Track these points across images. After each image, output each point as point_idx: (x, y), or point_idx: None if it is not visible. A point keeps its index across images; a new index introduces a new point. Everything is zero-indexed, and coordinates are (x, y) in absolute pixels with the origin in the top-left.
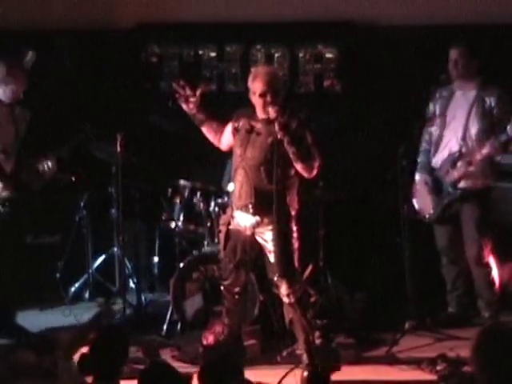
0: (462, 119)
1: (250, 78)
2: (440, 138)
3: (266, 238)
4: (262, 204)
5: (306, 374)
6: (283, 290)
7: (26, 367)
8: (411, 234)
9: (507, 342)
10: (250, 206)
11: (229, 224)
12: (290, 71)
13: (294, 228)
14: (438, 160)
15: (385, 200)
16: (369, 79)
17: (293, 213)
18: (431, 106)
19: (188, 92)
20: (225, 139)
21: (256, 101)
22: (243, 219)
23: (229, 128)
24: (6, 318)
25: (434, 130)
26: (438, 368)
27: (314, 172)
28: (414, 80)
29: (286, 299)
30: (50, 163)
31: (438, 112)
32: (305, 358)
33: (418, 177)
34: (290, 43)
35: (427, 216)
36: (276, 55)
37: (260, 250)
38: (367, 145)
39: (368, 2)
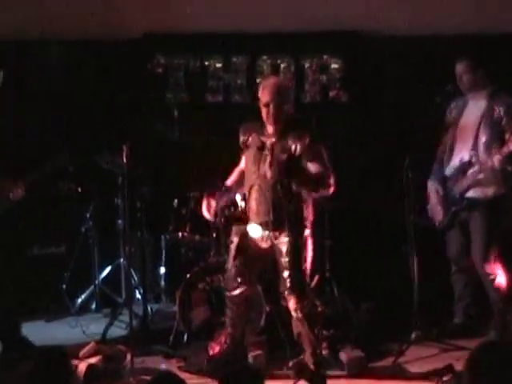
0: (472, 129)
1: (260, 89)
2: (452, 146)
3: (281, 252)
4: (280, 220)
5: None
6: (292, 304)
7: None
8: (418, 244)
9: (500, 360)
10: (270, 223)
11: (242, 236)
12: (296, 82)
13: (310, 241)
14: (450, 169)
15: (391, 210)
16: (374, 89)
17: (308, 225)
18: (448, 115)
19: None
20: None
21: (262, 110)
22: (257, 232)
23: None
24: (10, 329)
25: (448, 138)
26: (445, 379)
27: (331, 191)
28: (420, 90)
29: (294, 314)
30: (19, 190)
31: (452, 121)
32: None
33: (429, 185)
34: (296, 54)
35: (437, 223)
36: (282, 66)
37: (272, 263)
38: (373, 155)
39: (373, 13)
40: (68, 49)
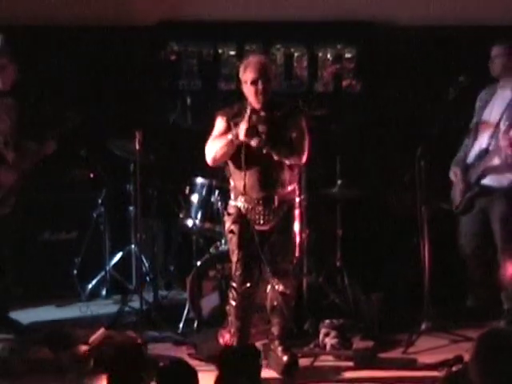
0: (496, 117)
1: (242, 69)
2: (476, 133)
3: (272, 234)
4: (268, 199)
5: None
6: (278, 282)
7: (41, 363)
8: (429, 234)
9: (505, 349)
10: (260, 202)
11: (240, 222)
12: (309, 71)
13: (297, 225)
14: (471, 155)
15: (402, 200)
16: (387, 79)
17: (297, 200)
18: (477, 102)
19: None
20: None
21: (248, 90)
22: (252, 215)
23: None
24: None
25: (473, 126)
26: (454, 370)
27: (304, 159)
28: (433, 80)
29: (278, 287)
30: (51, 142)
31: (478, 109)
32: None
33: (451, 169)
34: (310, 43)
35: (454, 208)
36: (295, 55)
37: (266, 244)
38: (385, 145)
39: (387, 2)
40: (83, 35)
